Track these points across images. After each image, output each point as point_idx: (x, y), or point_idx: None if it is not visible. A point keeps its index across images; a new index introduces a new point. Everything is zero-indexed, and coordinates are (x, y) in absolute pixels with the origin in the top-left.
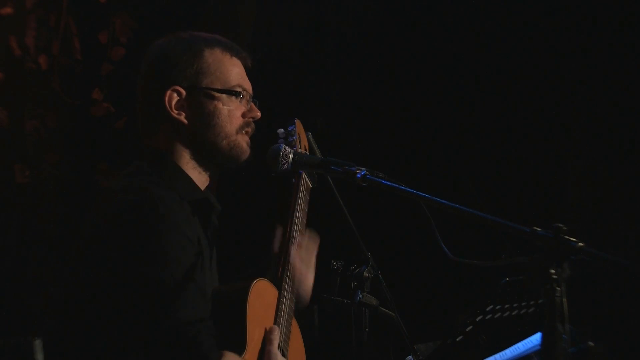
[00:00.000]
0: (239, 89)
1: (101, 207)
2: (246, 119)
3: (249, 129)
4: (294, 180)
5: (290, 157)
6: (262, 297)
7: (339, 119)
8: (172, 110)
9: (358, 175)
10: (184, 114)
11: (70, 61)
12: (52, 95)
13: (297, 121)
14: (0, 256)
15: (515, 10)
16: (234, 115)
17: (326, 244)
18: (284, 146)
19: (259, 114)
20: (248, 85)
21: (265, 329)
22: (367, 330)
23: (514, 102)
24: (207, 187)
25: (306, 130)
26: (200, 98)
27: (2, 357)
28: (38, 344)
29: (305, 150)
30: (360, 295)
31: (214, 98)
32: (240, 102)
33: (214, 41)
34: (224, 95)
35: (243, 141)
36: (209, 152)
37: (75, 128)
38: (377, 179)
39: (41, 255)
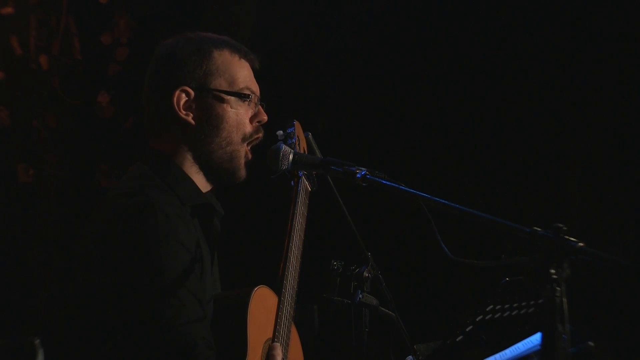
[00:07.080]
0: (247, 92)
1: (101, 211)
2: (254, 124)
3: (259, 135)
4: (292, 183)
5: (291, 157)
6: (262, 304)
7: (339, 119)
8: (180, 111)
9: (358, 175)
10: (191, 114)
11: (71, 61)
12: (52, 95)
13: (296, 123)
14: (2, 256)
15: (515, 10)
16: (241, 122)
17: (326, 244)
18: (284, 146)
19: (265, 117)
20: (256, 88)
21: (269, 345)
22: (367, 330)
23: (514, 101)
24: (211, 190)
25: (306, 130)
26: (209, 99)
27: (3, 357)
28: (38, 344)
29: (304, 152)
30: (360, 295)
31: (222, 100)
32: (248, 105)
33: (222, 42)
34: (232, 98)
35: (243, 157)
36: (210, 157)
37: (75, 128)
38: (377, 179)
39: (42, 256)
